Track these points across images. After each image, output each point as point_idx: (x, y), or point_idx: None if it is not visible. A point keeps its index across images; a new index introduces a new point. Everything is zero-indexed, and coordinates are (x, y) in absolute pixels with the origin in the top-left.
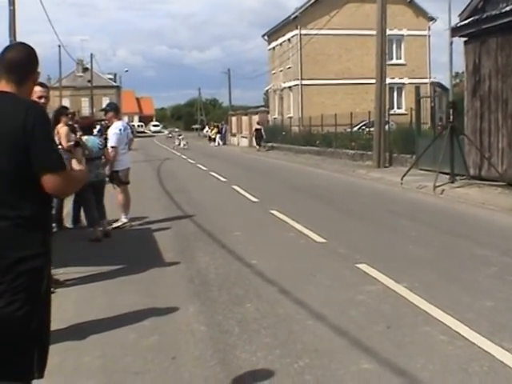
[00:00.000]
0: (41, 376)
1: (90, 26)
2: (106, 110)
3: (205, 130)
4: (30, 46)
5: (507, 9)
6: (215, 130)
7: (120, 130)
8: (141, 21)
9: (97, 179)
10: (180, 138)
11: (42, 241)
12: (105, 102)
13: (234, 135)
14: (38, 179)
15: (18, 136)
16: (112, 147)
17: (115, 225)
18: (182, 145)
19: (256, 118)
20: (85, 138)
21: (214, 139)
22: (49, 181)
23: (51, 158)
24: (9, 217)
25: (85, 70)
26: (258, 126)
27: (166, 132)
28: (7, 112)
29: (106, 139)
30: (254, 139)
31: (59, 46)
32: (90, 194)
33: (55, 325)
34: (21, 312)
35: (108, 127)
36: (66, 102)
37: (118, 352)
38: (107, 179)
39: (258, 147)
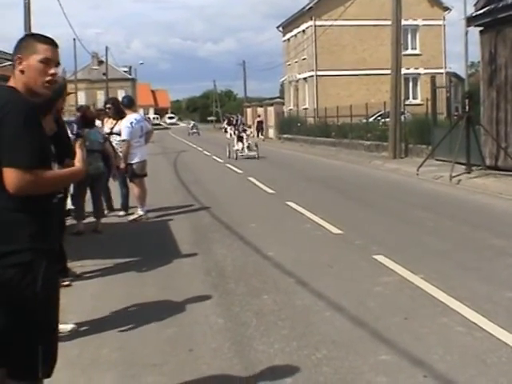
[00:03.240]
0: (47, 375)
1: (104, 18)
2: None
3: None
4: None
5: None
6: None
7: (132, 123)
8: (155, 13)
9: (96, 171)
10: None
11: (29, 235)
12: (120, 94)
13: (249, 127)
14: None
15: None
16: (123, 140)
17: (132, 217)
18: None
19: (271, 109)
20: (86, 130)
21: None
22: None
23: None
24: None
25: (100, 62)
26: (259, 119)
27: (182, 124)
28: None
29: (109, 133)
30: (255, 130)
31: (74, 40)
32: (85, 187)
33: (74, 317)
34: (9, 307)
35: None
36: (81, 95)
37: (136, 344)
38: (117, 173)
39: (259, 137)
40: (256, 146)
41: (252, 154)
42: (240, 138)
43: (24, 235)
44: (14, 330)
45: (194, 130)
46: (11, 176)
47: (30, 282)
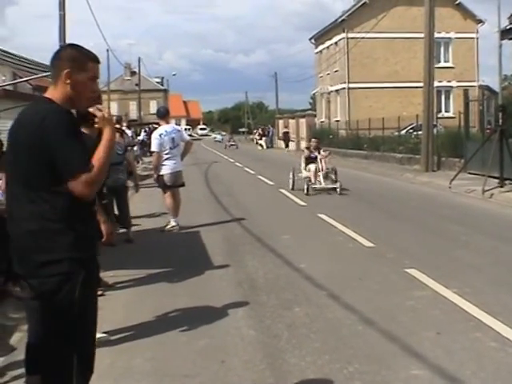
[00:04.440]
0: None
1: (136, 30)
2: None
3: (256, 136)
4: (63, 46)
5: None
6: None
7: (161, 134)
8: (187, 24)
9: (115, 184)
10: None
11: (68, 244)
12: (152, 105)
13: (280, 138)
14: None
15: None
16: (151, 152)
17: (166, 228)
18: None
19: (303, 121)
20: None
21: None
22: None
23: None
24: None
25: (132, 73)
26: (286, 130)
27: (213, 135)
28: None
29: (129, 146)
30: (282, 141)
31: (107, 50)
32: (105, 199)
33: (105, 327)
34: (48, 317)
35: (153, 131)
36: (114, 106)
37: (168, 355)
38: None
39: (286, 148)
40: (335, 172)
41: (332, 186)
42: (311, 160)
43: (63, 244)
44: (52, 339)
45: (232, 143)
46: (77, 186)
47: (68, 291)
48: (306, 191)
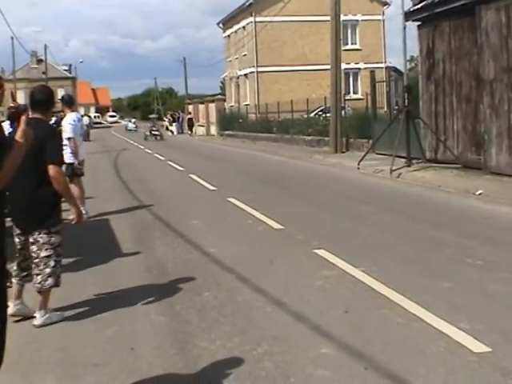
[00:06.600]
0: None
1: (41, 16)
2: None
3: (165, 122)
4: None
5: None
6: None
7: (74, 121)
8: (92, 11)
9: None
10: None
11: None
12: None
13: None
14: None
15: None
16: (69, 138)
17: (71, 216)
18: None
19: (212, 106)
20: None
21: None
22: None
23: None
24: None
25: (39, 61)
26: (190, 116)
27: (123, 122)
28: None
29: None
30: (186, 126)
31: (12, 38)
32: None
33: (9, 319)
34: None
35: (62, 119)
36: (20, 95)
37: (77, 344)
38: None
39: (190, 133)
40: None
41: None
42: None
43: None
44: None
45: (155, 132)
46: None
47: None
48: None
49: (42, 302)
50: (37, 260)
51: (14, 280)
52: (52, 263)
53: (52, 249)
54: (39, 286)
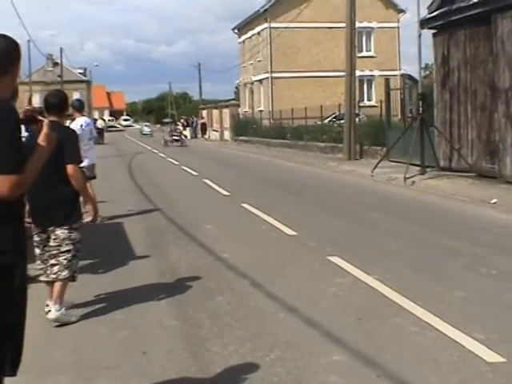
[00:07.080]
0: (13, 373)
1: (57, 20)
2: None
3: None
4: (9, 38)
5: (475, 0)
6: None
7: (81, 125)
8: (107, 15)
9: None
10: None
11: (11, 237)
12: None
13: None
14: None
15: None
16: None
17: (85, 220)
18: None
19: (226, 111)
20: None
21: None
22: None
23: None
24: None
25: (55, 64)
26: (203, 121)
27: (137, 126)
28: None
29: None
30: (200, 131)
31: (28, 41)
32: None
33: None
34: None
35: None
36: (36, 98)
37: (90, 347)
38: None
39: (205, 137)
40: None
41: None
42: None
43: (7, 236)
44: None
45: (176, 137)
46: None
47: (7, 283)
48: None
49: (58, 295)
50: (55, 252)
51: (42, 278)
52: (70, 257)
53: (72, 244)
54: (55, 276)
